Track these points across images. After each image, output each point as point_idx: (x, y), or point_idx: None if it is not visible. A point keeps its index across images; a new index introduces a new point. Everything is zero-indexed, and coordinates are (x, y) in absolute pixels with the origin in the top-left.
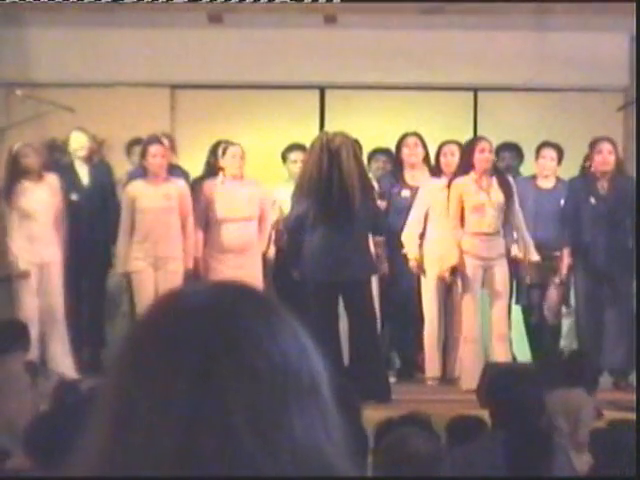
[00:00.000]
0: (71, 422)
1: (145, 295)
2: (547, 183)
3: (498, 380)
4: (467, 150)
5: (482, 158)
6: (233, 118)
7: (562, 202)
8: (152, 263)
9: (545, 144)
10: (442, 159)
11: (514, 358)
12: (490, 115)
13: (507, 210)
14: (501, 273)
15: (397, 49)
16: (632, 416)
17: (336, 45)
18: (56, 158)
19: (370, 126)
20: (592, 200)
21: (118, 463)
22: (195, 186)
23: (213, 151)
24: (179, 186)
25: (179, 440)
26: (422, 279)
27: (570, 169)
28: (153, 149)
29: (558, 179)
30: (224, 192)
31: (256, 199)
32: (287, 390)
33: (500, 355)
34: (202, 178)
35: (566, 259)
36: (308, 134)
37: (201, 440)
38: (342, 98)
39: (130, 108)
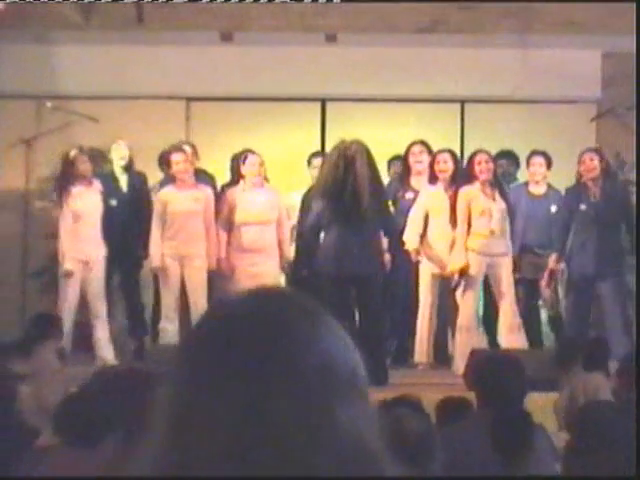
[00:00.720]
0: (97, 403)
1: (171, 289)
2: (538, 189)
3: (482, 365)
4: (468, 162)
5: (481, 169)
6: (242, 127)
7: (552, 208)
8: (179, 260)
9: (535, 152)
10: (436, 167)
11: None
12: (476, 124)
13: (507, 217)
14: (505, 269)
15: (392, 65)
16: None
17: (336, 61)
18: (99, 165)
19: (367, 135)
20: (582, 207)
21: (176, 462)
22: (221, 192)
23: (235, 159)
24: (205, 192)
25: (235, 439)
26: (420, 273)
27: (549, 176)
28: (175, 157)
29: (549, 186)
30: (244, 198)
31: (274, 204)
32: (333, 387)
33: (513, 344)
34: (227, 185)
35: (552, 263)
36: (310, 142)
37: (255, 438)
38: (341, 109)
39: (149, 118)
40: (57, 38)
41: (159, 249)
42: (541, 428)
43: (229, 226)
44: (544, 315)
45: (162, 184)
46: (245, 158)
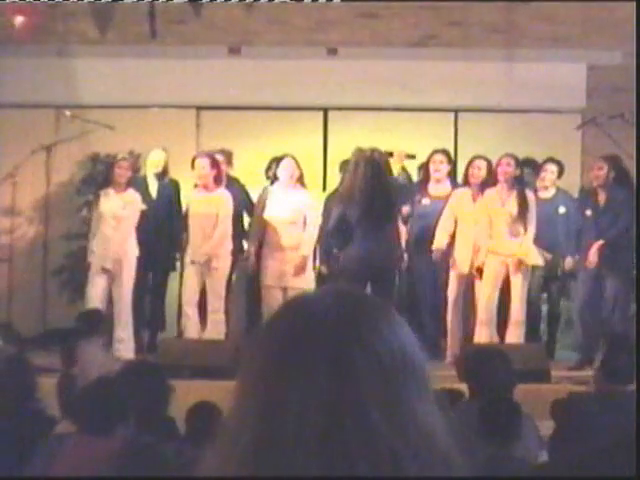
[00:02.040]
0: (110, 394)
1: (191, 288)
2: (546, 194)
3: (474, 358)
4: (495, 165)
5: (502, 172)
6: (249, 135)
7: (561, 209)
8: (199, 260)
9: (549, 160)
10: (470, 171)
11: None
12: (468, 133)
13: (524, 219)
14: (518, 269)
15: (389, 76)
16: (587, 389)
17: (337, 73)
18: (136, 172)
19: (366, 142)
20: (588, 212)
21: (271, 445)
22: (262, 193)
23: (271, 163)
24: (224, 196)
25: (324, 425)
26: (450, 273)
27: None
28: (199, 163)
29: (558, 189)
30: (276, 198)
31: (302, 205)
32: (407, 378)
33: (516, 337)
34: (265, 187)
35: (567, 265)
36: (313, 149)
37: (342, 423)
38: (342, 118)
39: (161, 126)
40: (75, 52)
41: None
42: (529, 417)
43: (262, 226)
44: (544, 311)
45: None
46: (279, 162)
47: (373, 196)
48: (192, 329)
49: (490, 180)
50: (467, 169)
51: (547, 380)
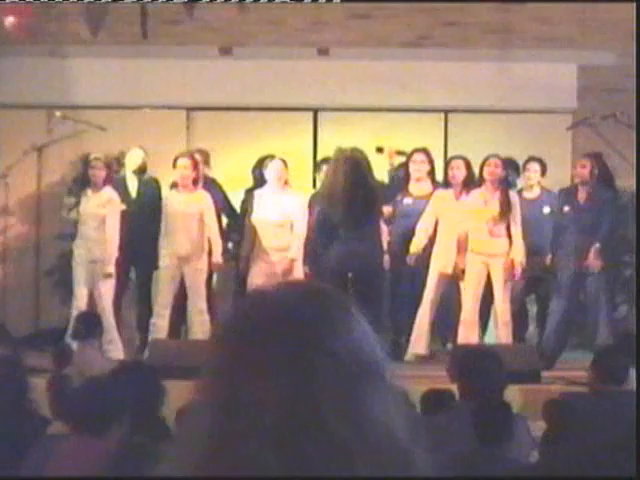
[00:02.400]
0: (103, 394)
1: (167, 287)
2: (531, 194)
3: (465, 359)
4: (480, 166)
5: (489, 173)
6: (240, 135)
7: (545, 209)
8: (178, 261)
9: (530, 159)
10: (450, 172)
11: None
12: (459, 133)
13: (507, 220)
14: (498, 268)
15: (380, 77)
16: (579, 389)
17: (328, 73)
18: (114, 172)
19: (356, 142)
20: (566, 208)
21: (226, 440)
22: (246, 195)
23: (259, 164)
24: (204, 196)
25: (278, 423)
26: (429, 272)
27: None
28: (180, 163)
29: (543, 189)
30: (266, 201)
31: (292, 206)
32: (363, 377)
33: (504, 338)
34: (252, 189)
35: (545, 259)
36: (303, 149)
37: (297, 421)
38: (332, 118)
39: (152, 127)
40: (67, 52)
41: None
42: (520, 418)
43: (251, 228)
44: (532, 311)
45: (247, 192)
46: (267, 163)
47: (353, 196)
48: (164, 330)
49: (471, 179)
50: (446, 170)
51: (537, 381)
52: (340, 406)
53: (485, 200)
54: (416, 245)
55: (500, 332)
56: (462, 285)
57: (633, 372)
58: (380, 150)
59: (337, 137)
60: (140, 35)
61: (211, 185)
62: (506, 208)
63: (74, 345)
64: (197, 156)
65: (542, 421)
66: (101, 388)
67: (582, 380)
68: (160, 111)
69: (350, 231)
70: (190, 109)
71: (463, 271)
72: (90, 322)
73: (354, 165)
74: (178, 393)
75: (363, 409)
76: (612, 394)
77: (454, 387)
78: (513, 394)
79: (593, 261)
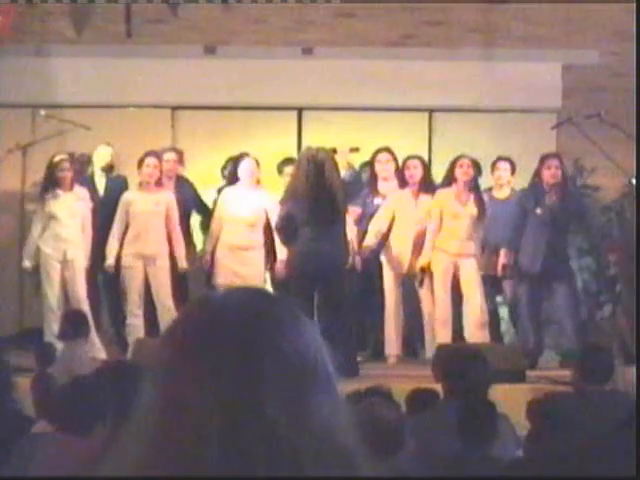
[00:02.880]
0: (87, 394)
1: (135, 287)
2: (501, 194)
3: (449, 358)
4: (450, 166)
5: (462, 173)
6: (224, 135)
7: (515, 209)
8: (142, 260)
9: (500, 158)
10: (406, 172)
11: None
12: (442, 133)
13: (478, 222)
14: (472, 269)
15: (364, 76)
16: (563, 389)
17: (312, 73)
18: (84, 170)
19: (340, 142)
20: (538, 210)
21: (170, 439)
22: (217, 193)
23: (233, 162)
24: (167, 195)
25: (223, 424)
26: (384, 272)
27: (512, 181)
28: (147, 161)
29: (513, 190)
30: (236, 199)
31: (263, 206)
32: (310, 379)
33: (479, 339)
34: (223, 186)
35: (502, 258)
36: (287, 148)
37: (242, 422)
38: (316, 118)
39: (137, 126)
40: (52, 51)
41: (114, 249)
42: (505, 417)
43: (220, 225)
44: (504, 311)
45: (220, 190)
46: (240, 161)
47: (315, 195)
48: (140, 329)
49: (428, 179)
50: (402, 170)
51: (522, 380)
52: (285, 407)
53: (462, 201)
54: (368, 240)
55: (472, 333)
56: (417, 285)
57: (617, 371)
58: (334, 151)
59: (321, 136)
60: (124, 34)
61: (183, 184)
62: (482, 210)
63: (58, 345)
64: (169, 154)
65: (526, 420)
66: (85, 387)
67: (566, 379)
68: (145, 110)
69: (314, 231)
70: (175, 108)
71: (422, 270)
72: (77, 321)
73: (317, 165)
74: None
75: (309, 410)
76: (596, 393)
77: (439, 387)
78: (497, 393)
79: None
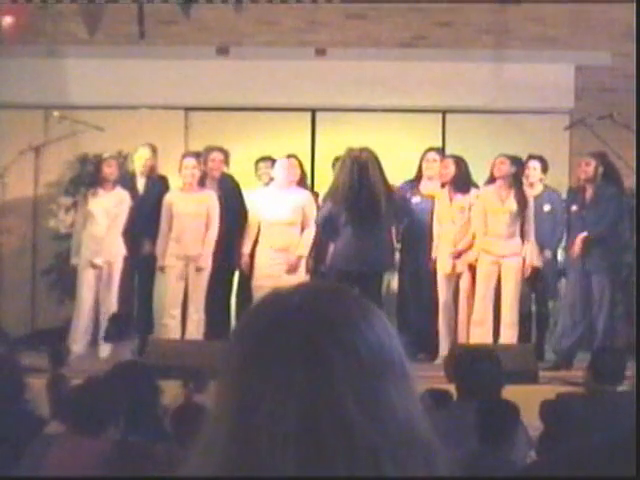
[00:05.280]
0: (100, 394)
1: (176, 287)
2: (533, 191)
3: (462, 359)
4: (491, 164)
5: (499, 171)
6: (237, 135)
7: (546, 207)
8: (183, 260)
9: (531, 157)
10: (442, 171)
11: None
12: (456, 133)
13: (522, 218)
14: (513, 269)
15: (377, 77)
16: (575, 390)
17: (325, 74)
18: (123, 171)
19: (354, 143)
20: (574, 207)
21: (246, 444)
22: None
23: (257, 163)
24: (210, 195)
25: (299, 423)
26: (437, 273)
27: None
28: (186, 162)
29: (545, 187)
30: (272, 199)
31: (300, 205)
32: (386, 374)
33: (509, 339)
34: (259, 187)
35: (544, 256)
36: (301, 149)
37: (319, 421)
38: (330, 119)
39: (150, 127)
40: (65, 53)
41: (164, 250)
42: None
43: (256, 226)
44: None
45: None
46: (274, 161)
47: (358, 195)
48: (176, 330)
49: (462, 178)
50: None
51: (535, 381)
52: (362, 403)
53: (501, 199)
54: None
55: (506, 333)
56: (463, 284)
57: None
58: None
59: (335, 137)
60: (137, 35)
61: (228, 183)
62: (523, 205)
63: (74, 346)
64: (216, 154)
65: (539, 421)
66: (97, 388)
67: (579, 380)
68: (158, 111)
69: (356, 230)
70: (188, 109)
71: (471, 267)
72: (122, 323)
73: (361, 164)
74: (176, 393)
75: (385, 406)
76: (609, 394)
77: (451, 387)
78: (510, 394)
79: (577, 248)
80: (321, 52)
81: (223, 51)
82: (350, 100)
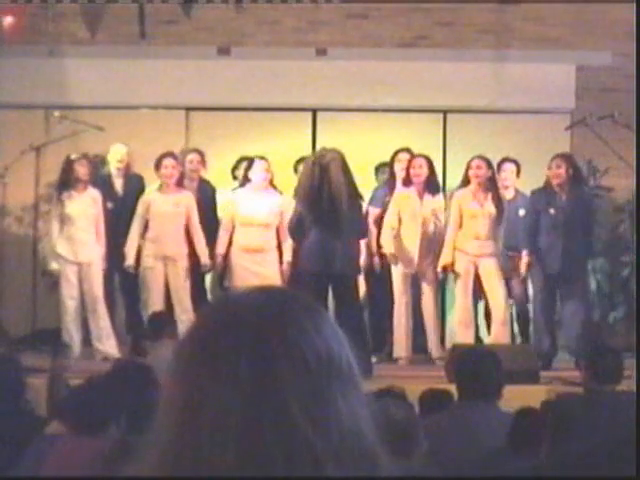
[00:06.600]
0: (100, 394)
1: (156, 288)
2: (507, 194)
3: (462, 359)
4: (466, 166)
5: (476, 174)
6: (238, 136)
7: (521, 211)
8: (162, 261)
9: (505, 159)
10: (412, 171)
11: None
12: (457, 133)
13: (497, 221)
14: (492, 267)
15: (378, 77)
16: (576, 390)
17: (326, 74)
18: (98, 170)
19: (354, 143)
20: (551, 210)
21: (190, 439)
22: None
23: (247, 165)
24: (187, 196)
25: (241, 424)
26: (392, 272)
27: (525, 182)
28: (164, 162)
29: (517, 191)
30: (249, 200)
31: (276, 207)
32: (332, 379)
33: (500, 337)
34: (236, 187)
35: (524, 259)
36: (302, 149)
37: (261, 422)
38: (331, 119)
39: (151, 127)
40: (65, 53)
41: (133, 249)
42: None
43: (233, 227)
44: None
45: (234, 190)
46: (252, 163)
47: (318, 196)
48: None
49: (433, 180)
50: (407, 168)
51: (536, 381)
52: (306, 406)
53: (480, 201)
54: (387, 244)
55: (498, 331)
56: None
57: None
58: None
59: (336, 137)
60: (138, 35)
61: (204, 186)
62: (501, 209)
63: (75, 347)
64: (192, 156)
65: None
66: (98, 388)
67: (579, 380)
68: (158, 111)
69: (320, 232)
70: (189, 109)
71: (446, 269)
72: (161, 321)
73: (322, 165)
74: None
75: (330, 410)
76: (609, 394)
77: (452, 387)
78: (511, 394)
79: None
80: (322, 52)
81: (224, 51)
82: (351, 100)
